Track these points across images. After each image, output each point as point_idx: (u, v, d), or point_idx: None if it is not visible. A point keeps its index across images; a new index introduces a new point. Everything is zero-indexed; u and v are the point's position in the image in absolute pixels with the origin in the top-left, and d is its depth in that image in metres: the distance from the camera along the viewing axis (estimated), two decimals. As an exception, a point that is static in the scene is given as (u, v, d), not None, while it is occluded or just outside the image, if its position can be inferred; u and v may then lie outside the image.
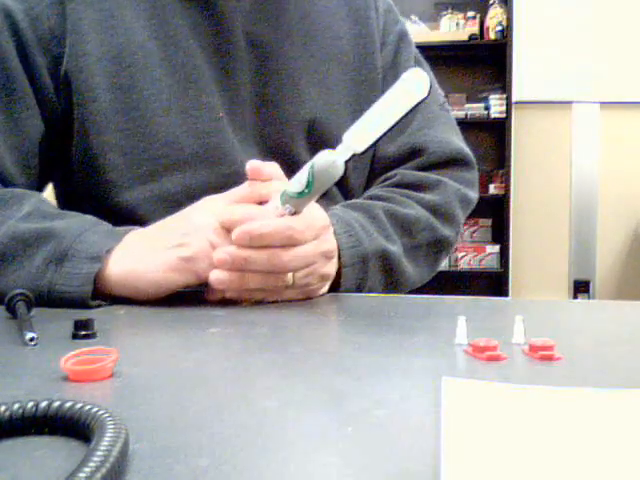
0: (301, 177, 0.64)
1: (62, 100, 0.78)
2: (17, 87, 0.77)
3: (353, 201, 0.83)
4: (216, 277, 0.64)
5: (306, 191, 0.64)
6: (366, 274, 0.75)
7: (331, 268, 0.70)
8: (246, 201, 0.67)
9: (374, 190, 0.87)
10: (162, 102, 0.78)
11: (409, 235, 0.81)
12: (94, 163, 0.78)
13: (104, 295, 0.65)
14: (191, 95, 0.79)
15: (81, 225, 0.68)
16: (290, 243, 0.65)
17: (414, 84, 0.64)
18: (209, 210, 0.67)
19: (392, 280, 0.79)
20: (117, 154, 0.78)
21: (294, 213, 0.65)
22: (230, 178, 0.75)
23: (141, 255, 0.66)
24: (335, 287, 0.73)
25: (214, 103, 0.80)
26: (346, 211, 0.77)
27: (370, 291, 0.76)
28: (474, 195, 0.92)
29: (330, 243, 0.70)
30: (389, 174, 0.89)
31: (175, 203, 0.71)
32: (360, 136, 0.63)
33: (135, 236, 0.68)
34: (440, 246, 0.85)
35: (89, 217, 0.71)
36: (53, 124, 0.79)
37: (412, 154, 0.89)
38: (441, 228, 0.84)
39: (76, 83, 0.77)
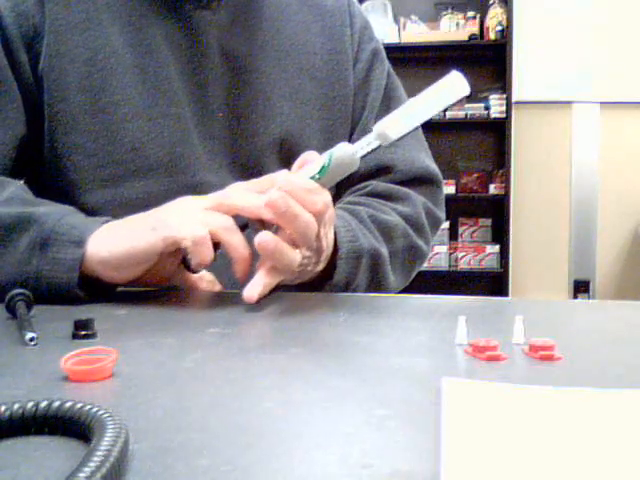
0: (315, 165, 0.64)
1: (38, 98, 0.79)
2: (2, 79, 0.77)
3: (337, 206, 0.82)
4: (264, 238, 0.60)
5: (317, 176, 0.63)
6: (357, 270, 0.75)
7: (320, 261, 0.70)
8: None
9: (349, 198, 0.87)
10: (131, 107, 0.79)
11: (389, 240, 0.81)
12: (60, 163, 0.79)
13: (91, 277, 0.65)
14: (160, 104, 0.80)
15: (61, 210, 0.69)
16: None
17: (455, 84, 0.65)
18: (195, 200, 0.66)
19: (376, 282, 0.79)
20: (82, 155, 0.78)
21: None
22: (193, 188, 0.76)
23: (125, 230, 0.65)
24: (326, 280, 0.73)
25: (183, 114, 0.81)
26: (338, 210, 0.77)
27: (354, 291, 0.76)
28: (441, 214, 0.92)
29: (328, 239, 0.69)
30: (360, 185, 0.89)
31: (136, 209, 0.70)
32: (394, 126, 0.63)
33: (117, 222, 0.68)
34: (415, 255, 0.85)
35: (68, 206, 0.71)
36: (33, 121, 0.79)
37: (379, 171, 0.90)
38: (415, 237, 0.85)
39: (47, 82, 0.78)
